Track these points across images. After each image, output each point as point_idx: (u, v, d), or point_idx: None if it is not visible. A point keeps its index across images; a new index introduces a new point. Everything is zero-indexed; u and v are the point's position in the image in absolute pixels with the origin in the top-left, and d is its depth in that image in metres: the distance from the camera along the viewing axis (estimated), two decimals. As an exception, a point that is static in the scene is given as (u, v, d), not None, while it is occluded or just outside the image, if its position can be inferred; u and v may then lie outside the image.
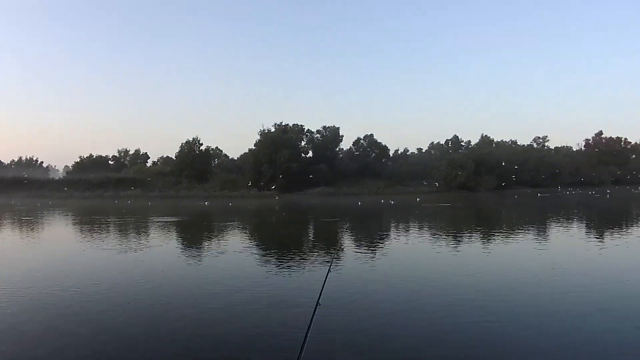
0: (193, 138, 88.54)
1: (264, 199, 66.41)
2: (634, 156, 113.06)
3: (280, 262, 14.63)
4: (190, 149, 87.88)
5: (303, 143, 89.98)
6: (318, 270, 12.76)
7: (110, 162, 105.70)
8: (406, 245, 18.71)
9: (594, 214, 34.87)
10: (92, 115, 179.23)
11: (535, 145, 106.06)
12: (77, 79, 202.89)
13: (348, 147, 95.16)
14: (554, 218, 29.89)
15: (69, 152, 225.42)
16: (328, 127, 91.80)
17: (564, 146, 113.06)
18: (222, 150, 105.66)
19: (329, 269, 4.56)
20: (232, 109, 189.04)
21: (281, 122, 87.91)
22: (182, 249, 19.00)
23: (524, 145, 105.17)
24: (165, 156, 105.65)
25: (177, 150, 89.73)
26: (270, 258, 15.97)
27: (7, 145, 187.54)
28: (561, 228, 24.26)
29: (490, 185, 79.70)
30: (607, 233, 21.79)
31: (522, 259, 14.95)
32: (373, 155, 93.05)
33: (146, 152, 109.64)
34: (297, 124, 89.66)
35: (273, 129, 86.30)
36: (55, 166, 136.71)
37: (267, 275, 12.49)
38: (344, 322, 8.01)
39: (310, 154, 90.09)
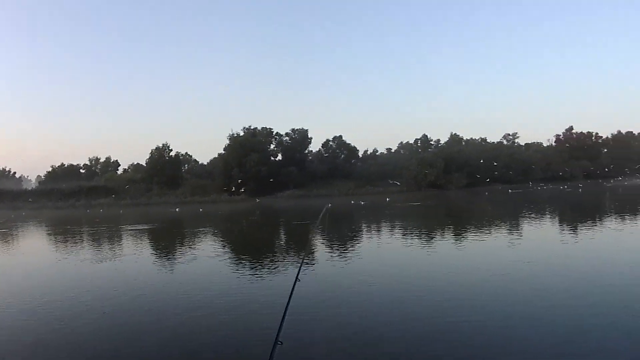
0: (163, 144, 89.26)
1: (234, 204, 67.51)
2: (605, 150, 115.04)
3: (252, 266, 15.11)
4: (161, 155, 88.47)
5: (272, 146, 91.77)
6: (290, 275, 12.90)
7: (81, 170, 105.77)
8: (378, 246, 19.15)
9: (565, 209, 35.84)
10: (63, 123, 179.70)
11: (505, 143, 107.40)
12: (46, 88, 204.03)
13: (317, 149, 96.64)
14: (525, 213, 30.58)
15: (41, 162, 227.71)
16: (297, 129, 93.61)
17: (534, 142, 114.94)
18: (192, 156, 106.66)
19: (297, 278, 4.67)
20: (201, 114, 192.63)
21: (250, 126, 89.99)
22: (155, 256, 19.37)
23: (494, 142, 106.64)
24: (135, 163, 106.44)
25: (148, 157, 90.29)
26: (242, 263, 16.38)
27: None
28: (533, 223, 24.97)
29: (460, 183, 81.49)
30: (580, 226, 22.71)
31: (495, 255, 15.49)
32: (342, 156, 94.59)
33: (117, 160, 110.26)
34: (266, 127, 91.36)
35: (242, 133, 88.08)
36: (28, 176, 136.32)
37: (239, 281, 12.74)
38: (317, 329, 8.18)
39: (279, 157, 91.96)
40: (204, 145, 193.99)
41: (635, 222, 23.83)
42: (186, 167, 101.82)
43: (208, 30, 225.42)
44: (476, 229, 23.09)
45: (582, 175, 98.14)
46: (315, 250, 17.97)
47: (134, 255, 19.22)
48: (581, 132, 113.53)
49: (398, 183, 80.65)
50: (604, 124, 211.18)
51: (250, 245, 22.09)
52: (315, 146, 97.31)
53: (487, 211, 37.32)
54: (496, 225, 24.67)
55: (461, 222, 29.42)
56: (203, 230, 29.34)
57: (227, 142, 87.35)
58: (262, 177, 79.35)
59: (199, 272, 14.76)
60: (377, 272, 13.19)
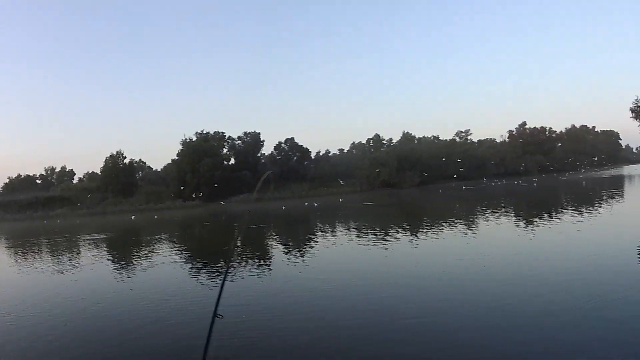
0: (117, 151, 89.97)
1: (189, 210, 69.01)
2: (560, 144, 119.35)
3: (207, 271, 15.83)
4: (115, 162, 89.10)
5: (225, 150, 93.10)
6: (240, 279, 13.69)
7: (38, 181, 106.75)
8: (333, 246, 19.83)
9: (518, 203, 37.43)
10: (18, 133, 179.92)
11: (458, 140, 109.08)
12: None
13: (270, 152, 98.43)
14: (478, 209, 31.94)
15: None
16: (249, 132, 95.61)
17: (487, 139, 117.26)
18: (145, 162, 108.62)
19: (224, 279, 4.52)
20: (154, 119, 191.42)
21: (202, 130, 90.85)
22: (112, 265, 20.15)
23: (446, 140, 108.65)
24: (90, 172, 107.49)
25: (102, 165, 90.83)
26: (198, 268, 17.09)
27: None
28: (486, 218, 25.92)
29: (414, 181, 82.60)
30: (536, 219, 23.78)
31: (449, 251, 15.98)
32: (295, 158, 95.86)
33: (72, 169, 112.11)
34: (218, 132, 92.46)
35: (195, 138, 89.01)
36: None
37: (194, 285, 13.42)
38: (246, 335, 8.51)
39: (232, 161, 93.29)
40: (158, 151, 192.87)
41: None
42: (140, 174, 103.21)
43: (156, 35, 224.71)
44: (430, 226, 23.81)
45: (536, 170, 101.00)
46: (268, 254, 19.32)
47: (92, 264, 19.89)
48: (534, 127, 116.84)
49: (342, 182, 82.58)
50: (558, 119, 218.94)
51: (204, 251, 23.17)
52: (267, 149, 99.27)
53: (439, 209, 38.42)
54: (450, 222, 25.55)
55: (415, 219, 30.35)
56: (159, 238, 30.40)
57: (180, 147, 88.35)
58: (215, 181, 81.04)
59: (155, 278, 15.61)
60: (329, 275, 13.70)
